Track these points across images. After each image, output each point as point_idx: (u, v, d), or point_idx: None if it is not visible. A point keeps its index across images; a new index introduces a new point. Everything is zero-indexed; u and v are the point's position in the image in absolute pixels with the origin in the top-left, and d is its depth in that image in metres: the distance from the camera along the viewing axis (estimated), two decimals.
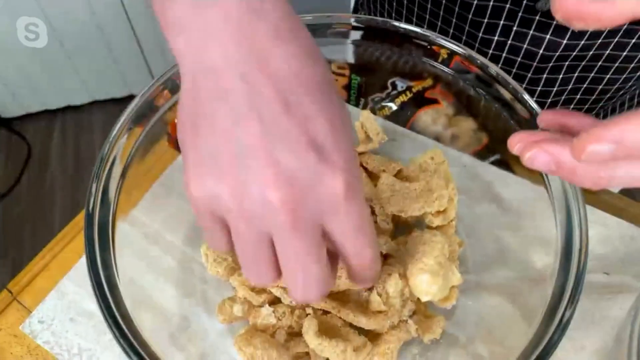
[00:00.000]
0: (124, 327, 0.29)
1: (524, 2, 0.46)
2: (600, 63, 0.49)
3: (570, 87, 0.53)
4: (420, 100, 0.52)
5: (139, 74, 1.61)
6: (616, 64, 0.49)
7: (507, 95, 0.42)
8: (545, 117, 0.28)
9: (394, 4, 0.57)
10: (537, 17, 0.46)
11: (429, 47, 0.45)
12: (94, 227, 0.33)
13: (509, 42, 0.49)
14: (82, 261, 0.47)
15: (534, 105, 0.40)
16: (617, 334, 0.39)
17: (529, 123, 0.40)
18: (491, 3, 0.47)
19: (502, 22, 0.48)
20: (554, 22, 0.46)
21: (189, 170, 0.25)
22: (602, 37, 0.46)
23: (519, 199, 0.44)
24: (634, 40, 0.46)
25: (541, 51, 0.48)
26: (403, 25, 0.45)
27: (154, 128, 0.42)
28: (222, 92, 0.24)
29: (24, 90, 1.58)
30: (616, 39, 0.46)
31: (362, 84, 0.54)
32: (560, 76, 0.51)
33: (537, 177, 0.40)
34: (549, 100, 0.54)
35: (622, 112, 0.26)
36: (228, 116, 0.24)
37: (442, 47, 0.44)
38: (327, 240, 0.27)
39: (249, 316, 0.39)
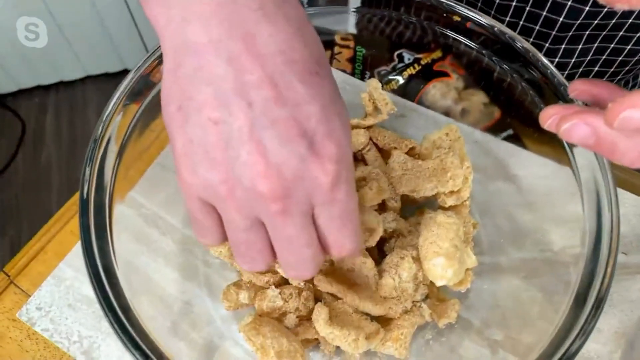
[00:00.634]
0: (124, 320, 0.27)
1: None
2: (621, 33, 0.46)
3: (588, 58, 0.50)
4: (429, 73, 0.49)
5: (133, 48, 1.58)
6: (638, 34, 0.47)
7: (533, 70, 0.40)
8: (578, 87, 0.26)
9: None
10: None
11: (444, 14, 0.42)
12: (90, 214, 0.31)
13: (528, 8, 0.46)
14: (80, 244, 0.45)
15: (561, 79, 0.37)
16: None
17: (553, 96, 0.38)
18: None
19: None
20: None
21: (180, 157, 0.25)
22: None
23: (535, 176, 0.42)
24: None
25: (561, 19, 0.46)
26: None
27: (151, 104, 0.39)
28: (207, 75, 0.23)
29: (17, 65, 1.55)
30: None
31: (367, 56, 0.51)
32: (580, 47, 0.48)
33: (553, 153, 0.38)
34: (566, 72, 0.52)
35: None
36: (215, 101, 0.23)
37: (456, 13, 0.42)
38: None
39: (255, 300, 0.38)
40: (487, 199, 0.43)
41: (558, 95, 0.38)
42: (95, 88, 1.67)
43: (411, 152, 0.43)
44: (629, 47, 0.48)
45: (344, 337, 0.33)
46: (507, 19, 0.48)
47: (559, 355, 0.27)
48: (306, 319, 0.37)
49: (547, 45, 0.49)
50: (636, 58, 0.50)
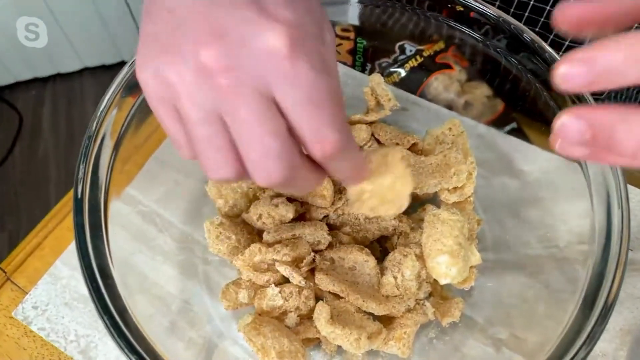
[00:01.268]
0: (120, 322, 0.26)
1: None
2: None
3: None
4: (431, 65, 0.48)
5: (130, 39, 1.56)
6: None
7: (538, 61, 0.39)
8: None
9: None
10: None
11: (447, 4, 0.41)
12: (84, 213, 0.30)
13: (548, 8, 0.45)
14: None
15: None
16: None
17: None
18: None
19: None
20: None
21: (137, 56, 0.24)
22: None
23: (540, 171, 0.41)
24: None
25: None
26: None
27: None
28: None
29: (14, 58, 1.54)
30: None
31: (368, 48, 0.50)
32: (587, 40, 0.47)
33: None
34: None
35: None
36: None
37: (459, 3, 0.41)
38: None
39: (255, 300, 0.37)
40: (492, 194, 0.42)
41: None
42: (92, 80, 1.66)
43: (414, 148, 0.42)
44: None
45: (345, 336, 0.32)
46: (526, 14, 0.47)
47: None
48: (307, 318, 0.37)
49: (551, 37, 0.48)
50: None
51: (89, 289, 0.28)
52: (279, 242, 0.37)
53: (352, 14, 0.47)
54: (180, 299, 0.39)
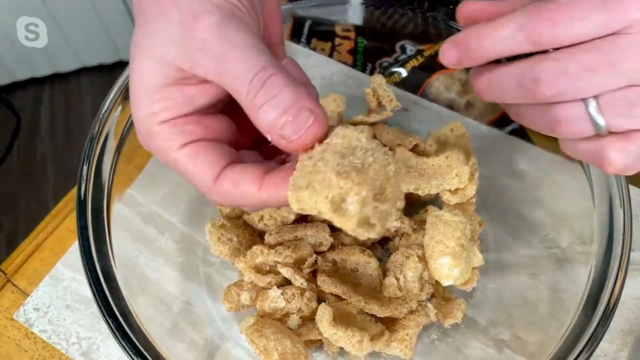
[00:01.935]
0: (124, 325, 0.26)
1: None
2: None
3: None
4: (433, 65, 0.48)
5: (128, 39, 1.55)
6: None
7: None
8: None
9: None
10: None
11: (448, 3, 0.41)
12: (87, 215, 0.30)
13: None
14: (77, 244, 0.45)
15: None
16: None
17: None
18: None
19: None
20: None
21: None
22: None
23: (542, 172, 0.41)
24: None
25: None
26: None
27: None
28: None
29: (11, 58, 1.53)
30: None
31: (368, 48, 0.50)
32: None
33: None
34: None
35: None
36: None
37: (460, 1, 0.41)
38: None
39: (257, 301, 0.37)
40: (493, 195, 0.42)
41: None
42: (90, 79, 1.65)
43: (415, 149, 0.42)
44: None
45: (348, 338, 0.32)
46: None
47: None
48: (309, 319, 0.36)
49: None
50: None
51: (93, 292, 0.28)
52: (280, 243, 0.37)
53: (353, 14, 0.47)
54: (181, 300, 0.39)
